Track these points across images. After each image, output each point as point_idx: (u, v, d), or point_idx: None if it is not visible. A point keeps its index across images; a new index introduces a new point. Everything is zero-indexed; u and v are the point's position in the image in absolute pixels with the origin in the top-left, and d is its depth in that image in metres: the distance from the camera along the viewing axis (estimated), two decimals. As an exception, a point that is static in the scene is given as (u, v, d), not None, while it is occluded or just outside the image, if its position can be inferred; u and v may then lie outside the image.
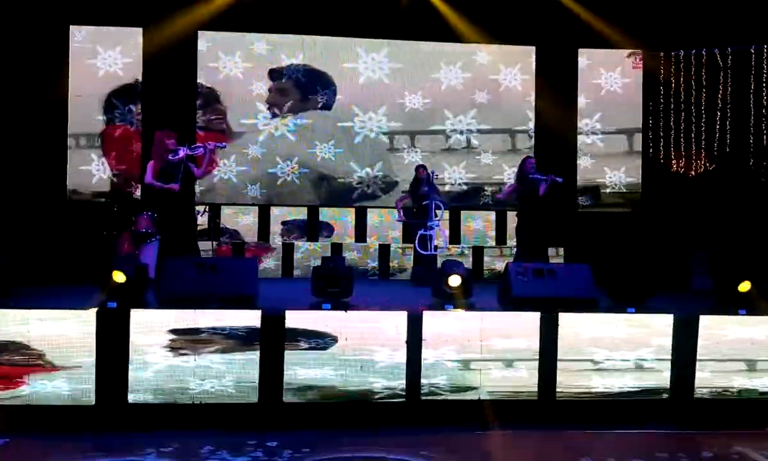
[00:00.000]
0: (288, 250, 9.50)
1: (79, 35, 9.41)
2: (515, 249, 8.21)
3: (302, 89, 9.91)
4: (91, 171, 9.41)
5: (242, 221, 9.66)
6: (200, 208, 8.48)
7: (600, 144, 10.26)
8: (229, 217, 9.65)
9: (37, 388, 4.74)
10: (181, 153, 6.49)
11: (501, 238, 10.03)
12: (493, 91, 10.16)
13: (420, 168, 8.66)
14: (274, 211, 9.75)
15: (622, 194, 10.23)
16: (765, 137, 9.56)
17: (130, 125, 9.47)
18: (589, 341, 5.25)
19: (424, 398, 5.10)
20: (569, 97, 10.23)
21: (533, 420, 5.13)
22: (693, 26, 9.68)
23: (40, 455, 4.36)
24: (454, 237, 9.84)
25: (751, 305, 5.52)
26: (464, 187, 10.10)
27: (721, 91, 9.83)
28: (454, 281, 5.66)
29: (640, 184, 10.18)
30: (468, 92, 10.12)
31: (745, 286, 5.60)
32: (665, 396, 5.30)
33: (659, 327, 5.30)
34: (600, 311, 5.45)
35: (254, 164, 9.78)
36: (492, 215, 10.08)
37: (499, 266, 9.33)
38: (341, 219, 9.85)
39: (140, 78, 9.47)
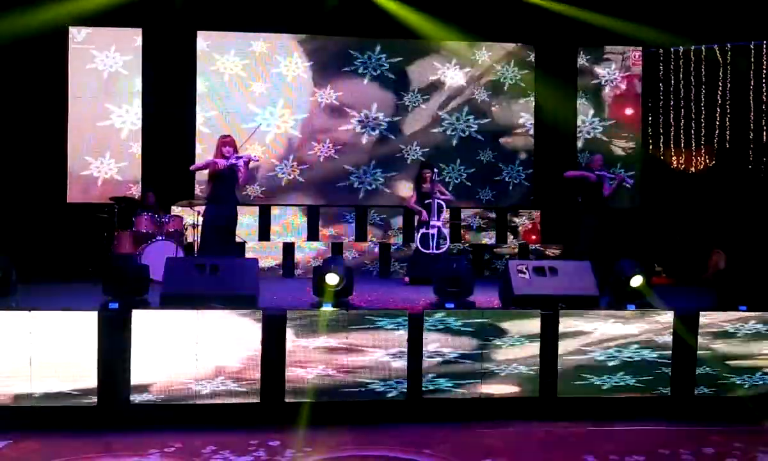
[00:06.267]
0: (288, 250, 9.49)
1: (78, 36, 9.42)
2: (577, 248, 7.88)
3: (301, 88, 9.91)
4: (91, 172, 9.44)
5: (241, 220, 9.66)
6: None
7: (599, 141, 10.26)
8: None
9: (40, 389, 4.75)
10: (231, 161, 6.74)
11: (501, 236, 10.05)
12: (492, 89, 10.16)
13: (424, 166, 8.64)
14: (275, 210, 9.77)
15: (621, 191, 10.21)
16: (765, 133, 9.56)
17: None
18: (590, 339, 5.26)
19: (425, 396, 5.11)
20: (569, 94, 10.24)
21: (535, 418, 5.14)
22: (692, 22, 9.67)
23: (42, 456, 4.36)
24: (455, 235, 9.85)
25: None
26: (464, 185, 10.10)
27: (720, 88, 9.83)
28: (454, 278, 5.67)
29: (639, 180, 10.17)
30: (468, 90, 10.12)
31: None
32: (666, 392, 5.31)
33: (660, 324, 5.31)
34: (601, 309, 5.46)
35: (254, 163, 9.76)
36: (492, 214, 10.10)
37: (500, 263, 9.35)
38: (344, 218, 9.86)
39: (140, 78, 9.50)
